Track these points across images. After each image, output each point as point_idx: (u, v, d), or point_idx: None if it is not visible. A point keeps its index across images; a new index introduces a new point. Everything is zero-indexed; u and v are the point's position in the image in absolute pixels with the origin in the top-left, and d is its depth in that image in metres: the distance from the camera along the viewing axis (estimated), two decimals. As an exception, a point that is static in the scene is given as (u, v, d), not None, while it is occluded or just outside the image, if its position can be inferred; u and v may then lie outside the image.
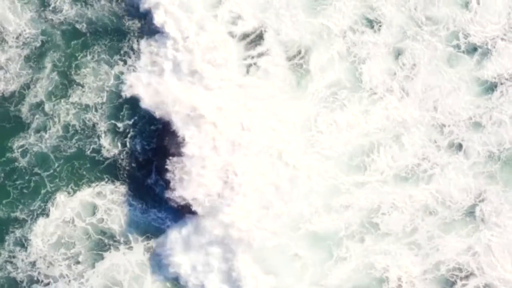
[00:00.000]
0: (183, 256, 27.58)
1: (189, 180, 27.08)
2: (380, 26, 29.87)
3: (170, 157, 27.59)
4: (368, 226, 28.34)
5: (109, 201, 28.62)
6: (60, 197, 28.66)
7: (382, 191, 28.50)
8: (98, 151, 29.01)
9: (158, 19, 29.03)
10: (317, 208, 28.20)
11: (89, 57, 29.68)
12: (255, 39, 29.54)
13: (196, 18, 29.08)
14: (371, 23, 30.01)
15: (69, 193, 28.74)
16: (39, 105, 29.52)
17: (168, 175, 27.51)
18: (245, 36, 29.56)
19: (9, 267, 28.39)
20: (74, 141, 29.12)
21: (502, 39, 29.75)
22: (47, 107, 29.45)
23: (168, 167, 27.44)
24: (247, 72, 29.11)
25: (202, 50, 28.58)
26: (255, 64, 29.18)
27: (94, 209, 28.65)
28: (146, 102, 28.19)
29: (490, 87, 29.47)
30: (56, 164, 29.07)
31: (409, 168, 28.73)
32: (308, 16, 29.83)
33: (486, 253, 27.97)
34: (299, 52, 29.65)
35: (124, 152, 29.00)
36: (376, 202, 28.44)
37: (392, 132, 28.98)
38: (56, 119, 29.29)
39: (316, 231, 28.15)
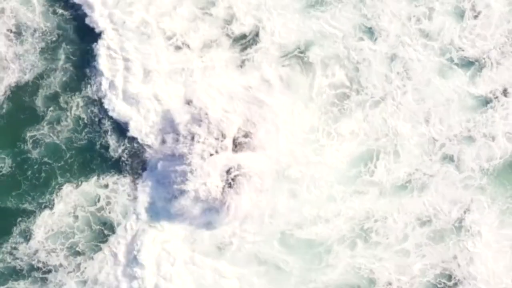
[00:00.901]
0: None
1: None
2: (376, 35, 30.54)
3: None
4: (361, 234, 29.07)
5: (111, 191, 29.31)
6: (67, 188, 29.26)
7: (376, 201, 29.29)
8: (106, 146, 29.69)
9: None
10: (311, 216, 29.12)
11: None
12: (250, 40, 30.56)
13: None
14: (368, 31, 30.63)
15: (76, 185, 29.32)
16: (54, 97, 30.13)
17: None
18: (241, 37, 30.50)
19: (10, 256, 28.93)
20: (84, 134, 29.75)
21: (496, 54, 30.47)
22: (61, 99, 30.13)
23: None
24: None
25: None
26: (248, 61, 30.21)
27: (96, 199, 29.29)
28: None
29: (483, 102, 30.19)
30: (68, 155, 29.64)
31: (402, 179, 29.44)
32: (304, 19, 30.62)
33: (471, 262, 28.84)
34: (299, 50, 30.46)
35: (130, 146, 29.73)
36: (370, 211, 29.22)
37: (387, 143, 29.74)
38: (68, 112, 29.91)
39: (307, 238, 28.96)
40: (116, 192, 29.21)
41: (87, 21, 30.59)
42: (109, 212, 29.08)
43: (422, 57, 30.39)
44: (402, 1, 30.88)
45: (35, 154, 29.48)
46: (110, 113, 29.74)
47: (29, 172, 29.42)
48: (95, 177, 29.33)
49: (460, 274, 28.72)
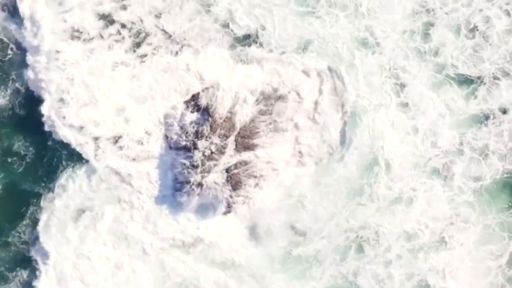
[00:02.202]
0: None
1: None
2: (373, 46, 31.24)
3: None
4: (352, 246, 30.51)
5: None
6: (81, 171, 31.07)
7: (369, 215, 30.56)
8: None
9: None
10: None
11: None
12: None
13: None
14: (363, 42, 31.33)
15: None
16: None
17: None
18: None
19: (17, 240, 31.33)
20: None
21: (494, 73, 30.93)
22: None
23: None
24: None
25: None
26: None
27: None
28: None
29: (477, 119, 30.89)
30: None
31: (394, 194, 30.58)
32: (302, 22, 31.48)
33: (448, 276, 30.02)
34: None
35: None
36: (363, 225, 30.56)
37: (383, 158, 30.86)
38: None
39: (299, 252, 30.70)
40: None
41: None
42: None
43: (416, 70, 31.13)
44: (399, 15, 31.34)
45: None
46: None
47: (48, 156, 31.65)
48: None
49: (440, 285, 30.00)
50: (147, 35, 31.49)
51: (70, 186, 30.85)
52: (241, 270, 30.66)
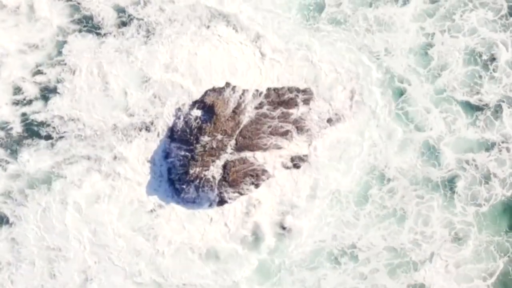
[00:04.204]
0: None
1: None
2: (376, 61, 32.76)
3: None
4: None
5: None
6: None
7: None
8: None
9: None
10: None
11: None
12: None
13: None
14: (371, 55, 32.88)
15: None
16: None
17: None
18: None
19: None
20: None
21: (502, 101, 31.80)
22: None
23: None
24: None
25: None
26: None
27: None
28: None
29: (486, 146, 31.42)
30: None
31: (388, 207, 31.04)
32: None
33: None
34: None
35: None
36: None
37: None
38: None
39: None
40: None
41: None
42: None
43: (422, 88, 32.26)
44: (410, 33, 33.00)
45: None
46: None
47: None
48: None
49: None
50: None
51: None
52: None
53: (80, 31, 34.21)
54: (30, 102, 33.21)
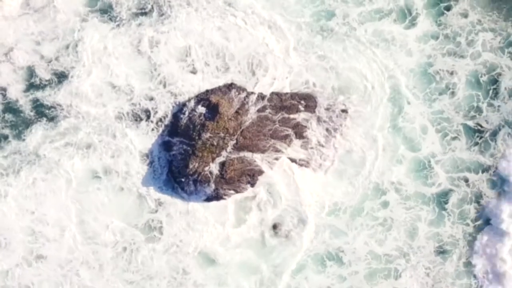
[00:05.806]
0: None
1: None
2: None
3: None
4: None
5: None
6: None
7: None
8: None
9: None
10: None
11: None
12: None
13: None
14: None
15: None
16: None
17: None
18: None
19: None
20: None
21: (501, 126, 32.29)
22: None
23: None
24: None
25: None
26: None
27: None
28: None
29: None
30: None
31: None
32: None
33: None
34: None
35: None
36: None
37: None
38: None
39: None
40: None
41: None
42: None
43: (420, 106, 32.85)
44: (413, 56, 33.36)
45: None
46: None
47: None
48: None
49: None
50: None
51: None
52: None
53: (97, 18, 34.34)
54: (42, 87, 33.75)
